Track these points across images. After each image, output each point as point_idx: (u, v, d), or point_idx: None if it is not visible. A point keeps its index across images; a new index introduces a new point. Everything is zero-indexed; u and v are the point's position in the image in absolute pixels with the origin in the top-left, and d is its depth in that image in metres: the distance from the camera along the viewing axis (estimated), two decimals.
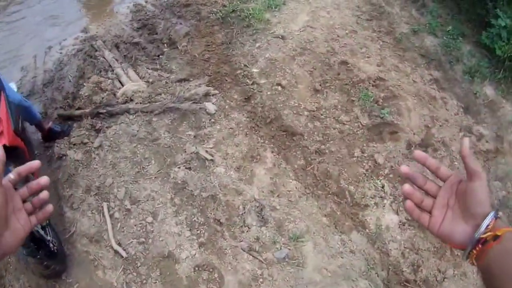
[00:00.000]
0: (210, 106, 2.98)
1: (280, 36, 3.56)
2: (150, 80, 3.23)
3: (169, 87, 3.15)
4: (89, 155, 2.70)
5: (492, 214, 0.64)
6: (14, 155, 1.84)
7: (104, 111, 2.89)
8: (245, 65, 3.37)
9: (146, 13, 4.18)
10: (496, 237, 0.61)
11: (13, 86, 2.99)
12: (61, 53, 3.81)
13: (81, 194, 2.47)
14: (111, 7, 4.72)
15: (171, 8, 4.22)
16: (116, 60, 3.48)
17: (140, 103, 2.94)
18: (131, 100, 2.98)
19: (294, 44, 3.50)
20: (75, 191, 2.48)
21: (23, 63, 3.92)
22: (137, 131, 2.83)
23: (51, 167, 2.68)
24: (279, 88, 3.19)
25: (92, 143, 2.75)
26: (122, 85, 3.15)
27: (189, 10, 4.12)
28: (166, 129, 2.87)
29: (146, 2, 4.46)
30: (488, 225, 0.63)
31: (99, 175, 2.58)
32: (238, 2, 3.98)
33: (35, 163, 0.72)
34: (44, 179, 0.72)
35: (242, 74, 3.32)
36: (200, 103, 2.99)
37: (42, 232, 1.84)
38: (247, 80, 3.27)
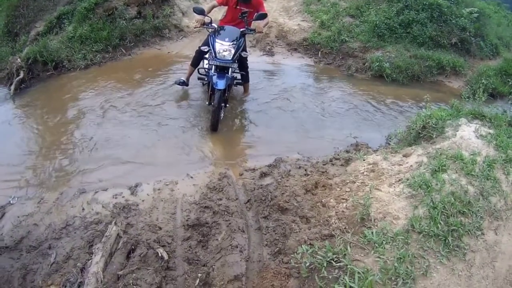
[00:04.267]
0: None
1: None
2: None
3: None
4: None
5: None
6: None
7: None
8: None
9: (220, 199, 2.98)
10: None
11: None
12: (83, 209, 2.84)
13: None
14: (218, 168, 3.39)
15: (260, 203, 2.92)
16: None
17: None
18: None
19: None
20: None
21: (49, 195, 2.93)
22: None
23: None
24: None
25: None
26: None
27: (278, 222, 2.71)
28: None
29: (240, 175, 3.29)
30: None
31: None
32: (348, 250, 2.25)
33: None
34: None
35: None
36: None
37: None
38: None
